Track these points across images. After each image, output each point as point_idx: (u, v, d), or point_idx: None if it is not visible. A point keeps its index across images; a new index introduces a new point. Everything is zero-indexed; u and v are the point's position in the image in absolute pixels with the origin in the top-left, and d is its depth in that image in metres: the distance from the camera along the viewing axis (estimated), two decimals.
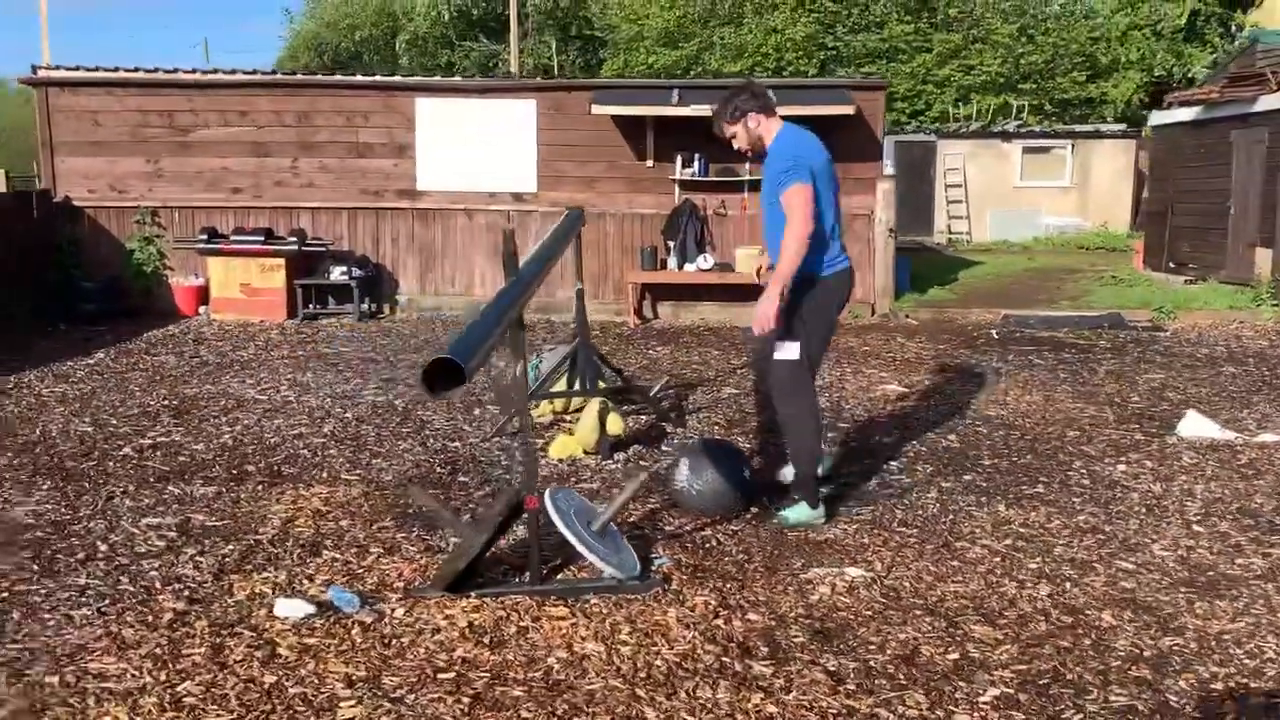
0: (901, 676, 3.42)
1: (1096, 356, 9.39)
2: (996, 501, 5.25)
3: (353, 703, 3.21)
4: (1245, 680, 3.43)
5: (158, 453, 6.05)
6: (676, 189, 11.91)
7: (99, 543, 4.56)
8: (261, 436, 6.44)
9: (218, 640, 3.60)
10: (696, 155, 11.69)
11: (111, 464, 5.81)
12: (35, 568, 4.28)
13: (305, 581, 4.14)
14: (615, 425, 6.06)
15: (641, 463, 5.92)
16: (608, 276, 11.99)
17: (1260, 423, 6.92)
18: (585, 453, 6.02)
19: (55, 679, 3.33)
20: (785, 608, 3.94)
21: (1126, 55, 26.50)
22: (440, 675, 3.39)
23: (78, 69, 12.30)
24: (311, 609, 3.83)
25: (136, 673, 3.37)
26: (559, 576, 4.21)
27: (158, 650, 3.53)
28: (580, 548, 4.05)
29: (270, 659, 3.48)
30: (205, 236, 11.45)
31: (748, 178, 11.54)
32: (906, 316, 11.94)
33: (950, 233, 23.25)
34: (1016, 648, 3.63)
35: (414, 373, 8.20)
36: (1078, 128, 24.35)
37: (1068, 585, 4.19)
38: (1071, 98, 26.62)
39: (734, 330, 10.96)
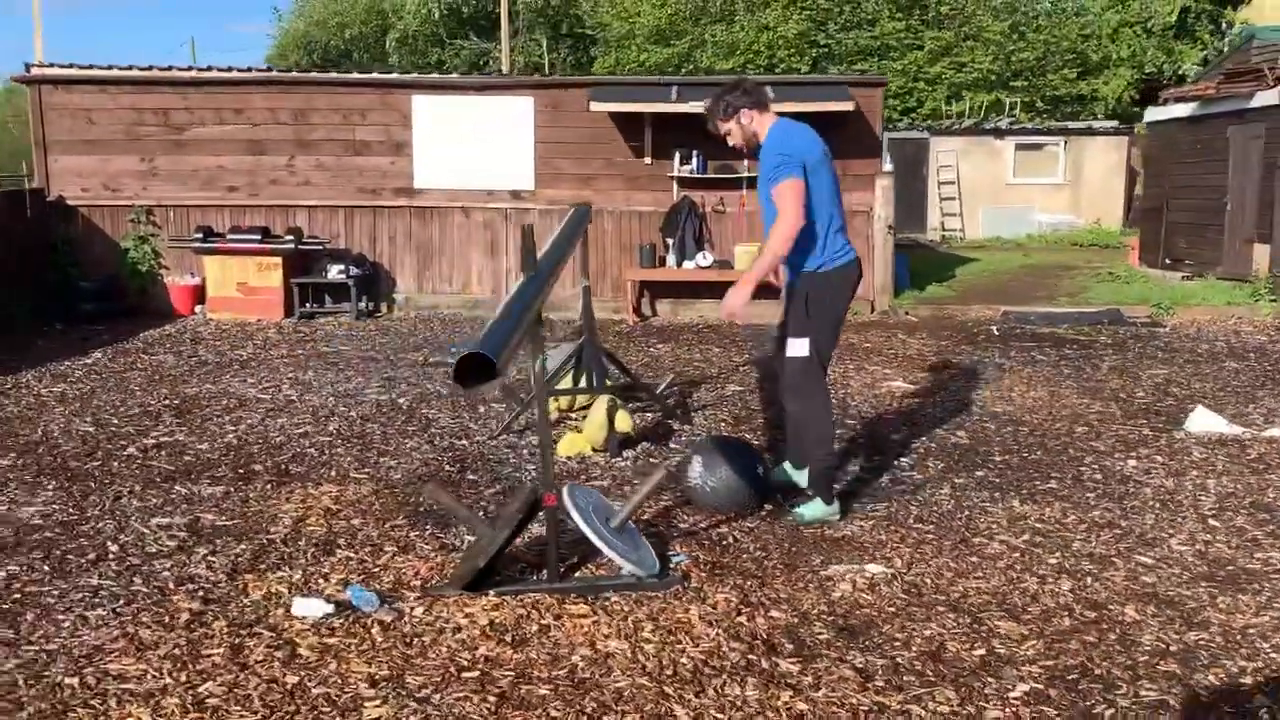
0: (930, 673, 3.39)
1: (1098, 352, 9.39)
2: (1010, 497, 5.23)
3: (378, 702, 3.17)
4: (1275, 675, 3.41)
5: (162, 452, 5.99)
6: (675, 186, 11.87)
7: (109, 543, 4.50)
8: (266, 436, 6.38)
9: (237, 640, 3.56)
10: (694, 152, 11.64)
11: (116, 464, 5.75)
12: (46, 568, 4.22)
13: (321, 581, 4.10)
14: (624, 423, 6.03)
15: (653, 460, 5.89)
16: (606, 274, 11.94)
17: (1267, 417, 6.91)
18: (594, 450, 5.99)
19: (75, 680, 3.28)
20: (807, 605, 3.91)
21: (1117, 52, 26.60)
22: (464, 674, 3.35)
23: (71, 67, 12.18)
24: (330, 608, 3.78)
25: (157, 674, 3.33)
26: (577, 574, 4.18)
27: (176, 651, 3.48)
28: (600, 545, 4.02)
29: (291, 659, 3.43)
30: (201, 235, 11.37)
31: (746, 175, 11.48)
32: (907, 313, 11.94)
33: (944, 230, 23.25)
34: (1042, 643, 3.61)
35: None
36: (1070, 125, 24.41)
37: (1088, 580, 4.17)
38: (1063, 95, 26.72)
39: (734, 327, 10.93)
